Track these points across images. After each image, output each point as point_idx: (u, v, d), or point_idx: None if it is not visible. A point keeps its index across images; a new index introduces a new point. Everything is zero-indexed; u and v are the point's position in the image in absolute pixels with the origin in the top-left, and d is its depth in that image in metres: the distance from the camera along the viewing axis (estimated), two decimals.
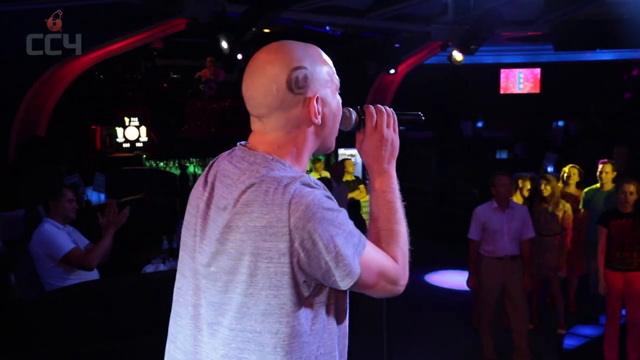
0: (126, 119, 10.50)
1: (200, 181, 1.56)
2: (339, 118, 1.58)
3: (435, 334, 6.17)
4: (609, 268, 5.09)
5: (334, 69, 1.54)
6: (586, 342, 6.11)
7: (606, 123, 12.76)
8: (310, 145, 1.52)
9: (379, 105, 1.66)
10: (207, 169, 1.58)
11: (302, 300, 1.37)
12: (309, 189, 1.37)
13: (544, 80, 14.19)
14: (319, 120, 1.49)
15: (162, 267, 4.75)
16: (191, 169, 10.33)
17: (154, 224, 6.92)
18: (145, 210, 7.20)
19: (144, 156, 10.54)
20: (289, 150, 1.48)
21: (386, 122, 1.63)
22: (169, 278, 4.25)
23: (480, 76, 13.84)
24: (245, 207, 1.36)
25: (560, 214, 5.96)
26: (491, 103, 14.25)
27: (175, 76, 12.24)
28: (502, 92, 14.50)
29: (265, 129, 1.49)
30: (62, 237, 4.15)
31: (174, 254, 5.00)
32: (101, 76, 10.93)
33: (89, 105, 10.46)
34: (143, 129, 10.57)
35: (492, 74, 14.31)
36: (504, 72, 14.53)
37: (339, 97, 1.56)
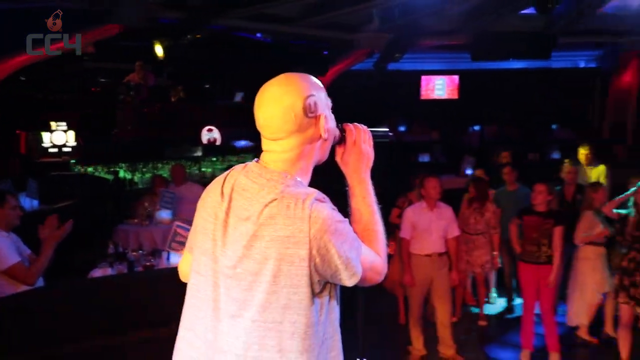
0: (52, 124, 10.33)
1: (214, 191, 1.80)
2: (334, 133, 1.86)
3: (364, 330, 6.50)
4: (522, 261, 5.60)
5: None
6: (506, 330, 6.64)
7: (519, 129, 13.63)
8: (315, 157, 1.80)
9: (356, 124, 1.94)
10: (221, 181, 1.81)
11: (314, 296, 1.65)
12: (322, 204, 1.66)
13: (462, 86, 14.92)
14: (326, 135, 1.77)
15: (110, 272, 4.83)
16: (121, 174, 10.27)
17: (87, 229, 6.93)
18: (79, 215, 7.17)
19: (72, 161, 10.39)
20: (300, 165, 1.76)
21: (363, 138, 1.91)
22: (123, 282, 4.34)
23: (402, 82, 14.41)
24: (270, 219, 1.63)
25: (487, 214, 6.46)
26: (412, 108, 14.86)
27: (103, 80, 12.10)
28: (422, 97, 15.13)
29: (280, 149, 1.75)
30: (8, 246, 4.08)
31: (120, 258, 5.10)
32: (22, 78, 10.66)
33: (14, 109, 10.22)
34: (71, 133, 10.42)
35: (413, 80, 14.91)
36: (424, 79, 15.17)
37: (332, 115, 1.84)
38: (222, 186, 1.79)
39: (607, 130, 13.42)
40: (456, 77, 15.03)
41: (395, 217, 6.68)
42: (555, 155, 12.30)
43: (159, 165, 10.78)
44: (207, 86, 11.89)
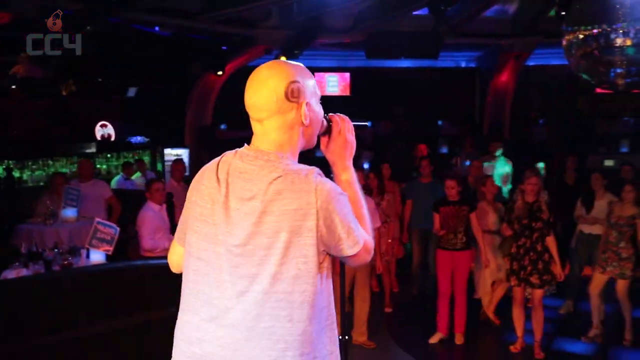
0: None
1: (209, 178, 1.87)
2: (320, 122, 1.96)
3: None
4: (440, 248, 5.98)
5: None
6: (415, 317, 7.01)
7: (411, 125, 14.29)
8: (300, 142, 1.90)
9: (341, 114, 2.05)
10: (214, 168, 1.88)
11: (318, 265, 1.76)
12: (324, 178, 1.78)
13: (354, 83, 15.37)
14: (307, 122, 1.87)
15: (25, 272, 4.60)
16: (11, 172, 9.62)
17: None
18: None
19: None
20: (287, 147, 1.86)
21: (347, 128, 2.03)
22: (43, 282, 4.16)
23: None
24: (277, 195, 1.73)
25: (383, 204, 6.78)
26: None
27: None
28: None
29: (265, 130, 1.85)
30: None
31: (34, 258, 4.86)
32: None
33: None
34: None
35: None
36: (317, 75, 15.47)
37: (320, 106, 1.95)
38: (217, 172, 1.86)
39: (487, 126, 14.38)
40: (347, 75, 15.47)
41: None
42: (444, 149, 13.05)
43: (50, 162, 10.24)
44: (100, 80, 11.42)
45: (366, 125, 2.67)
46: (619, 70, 6.51)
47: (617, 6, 6.02)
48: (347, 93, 15.52)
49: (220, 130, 14.11)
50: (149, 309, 4.06)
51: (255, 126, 1.88)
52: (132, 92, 12.07)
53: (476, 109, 15.53)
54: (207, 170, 1.90)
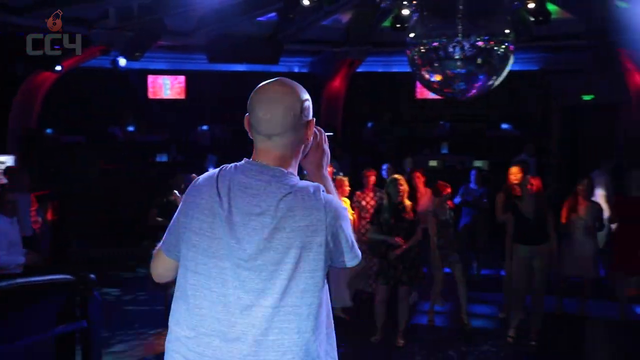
0: None
1: (208, 193, 1.86)
2: None
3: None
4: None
5: None
6: None
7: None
8: (299, 158, 1.98)
9: (317, 127, 2.12)
10: (213, 182, 1.88)
11: (324, 278, 1.84)
12: (329, 195, 1.88)
13: (190, 87, 15.15)
14: (310, 139, 1.97)
15: None
16: None
17: None
18: None
19: None
20: (289, 163, 1.92)
21: (324, 139, 2.12)
22: None
23: (131, 81, 14.08)
24: (289, 212, 1.78)
25: None
26: (141, 107, 14.62)
27: None
28: (151, 97, 14.98)
29: (273, 146, 1.89)
30: None
31: None
32: None
33: None
34: None
35: (142, 79, 14.67)
36: (151, 78, 15.03)
37: None
38: (216, 186, 1.86)
39: None
40: (183, 78, 15.21)
41: (155, 217, 6.80)
42: None
43: None
44: None
45: (331, 134, 2.67)
46: (456, 80, 7.24)
47: (456, 22, 6.71)
48: (183, 96, 15.27)
49: (48, 135, 13.13)
50: None
51: (261, 141, 1.90)
52: None
53: None
54: (204, 184, 1.90)
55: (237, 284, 1.79)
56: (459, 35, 6.78)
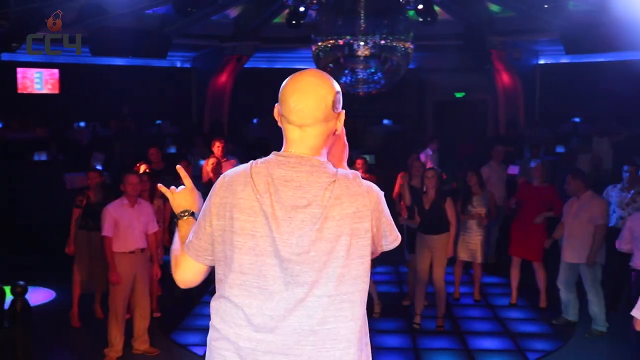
0: None
1: (245, 192, 1.83)
2: None
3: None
4: None
5: None
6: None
7: (139, 124, 13.89)
8: (329, 148, 1.99)
9: None
10: (248, 179, 1.84)
11: (370, 263, 1.88)
12: (367, 181, 1.90)
13: (64, 81, 14.27)
14: (339, 131, 1.99)
15: None
16: None
17: None
18: None
19: None
20: (321, 153, 1.93)
21: (344, 132, 2.12)
22: None
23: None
24: (335, 200, 1.80)
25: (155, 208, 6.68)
26: (11, 103, 13.61)
27: None
28: (20, 91, 13.94)
29: (305, 135, 1.89)
30: None
31: None
32: None
33: None
34: None
35: (9, 72, 13.61)
36: (20, 71, 13.99)
37: None
38: (252, 183, 1.83)
39: (207, 126, 14.75)
40: (56, 71, 14.29)
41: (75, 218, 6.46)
42: (172, 149, 13.02)
43: None
44: None
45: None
46: (360, 77, 7.48)
47: (359, 21, 6.93)
48: (57, 91, 14.36)
49: None
50: None
51: (293, 131, 1.90)
52: None
53: (193, 108, 15.79)
54: (238, 183, 1.85)
55: (289, 280, 1.78)
56: (361, 33, 7.00)
